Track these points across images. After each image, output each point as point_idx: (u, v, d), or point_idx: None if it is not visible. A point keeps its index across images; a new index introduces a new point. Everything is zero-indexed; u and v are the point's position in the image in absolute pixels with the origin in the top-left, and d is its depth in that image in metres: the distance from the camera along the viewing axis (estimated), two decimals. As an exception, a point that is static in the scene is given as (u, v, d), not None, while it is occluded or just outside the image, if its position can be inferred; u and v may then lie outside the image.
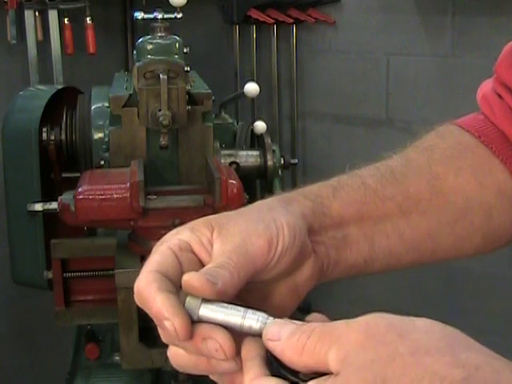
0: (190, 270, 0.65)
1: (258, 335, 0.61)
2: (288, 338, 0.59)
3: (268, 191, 1.89)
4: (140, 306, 0.65)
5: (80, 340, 1.95)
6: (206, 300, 0.63)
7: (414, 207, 0.84)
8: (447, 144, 0.92)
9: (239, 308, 0.63)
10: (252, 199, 1.90)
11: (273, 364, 0.59)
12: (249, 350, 0.61)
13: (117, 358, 1.74)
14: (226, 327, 0.62)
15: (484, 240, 0.90)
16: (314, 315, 0.65)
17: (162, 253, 0.66)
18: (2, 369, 2.86)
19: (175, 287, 0.64)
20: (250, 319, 0.62)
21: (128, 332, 1.45)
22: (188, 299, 0.63)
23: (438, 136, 0.94)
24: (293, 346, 0.58)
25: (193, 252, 0.67)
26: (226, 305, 0.63)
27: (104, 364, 1.83)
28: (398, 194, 0.84)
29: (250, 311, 0.62)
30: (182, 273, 0.65)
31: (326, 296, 2.99)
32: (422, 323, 0.57)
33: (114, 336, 1.82)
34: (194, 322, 0.62)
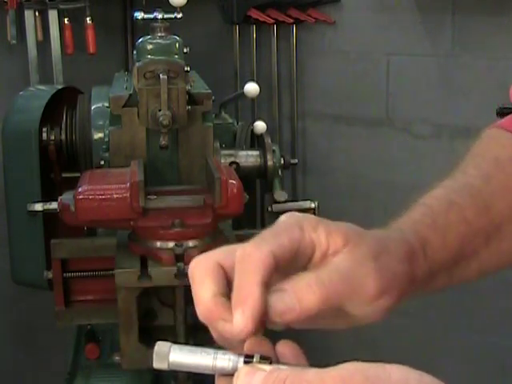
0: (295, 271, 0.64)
1: (231, 375, 0.61)
2: None
3: (268, 191, 1.89)
4: (238, 264, 0.62)
5: (80, 340, 1.95)
6: (174, 345, 0.62)
7: (497, 236, 0.85)
8: (510, 153, 0.91)
9: (208, 350, 0.62)
10: (252, 199, 1.90)
11: None
12: None
13: (117, 358, 1.74)
14: (198, 370, 0.62)
15: None
16: (283, 345, 0.63)
17: (290, 243, 0.63)
18: (2, 369, 2.86)
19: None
20: (222, 360, 0.61)
21: (128, 332, 1.45)
22: (156, 346, 0.63)
23: (496, 142, 0.94)
24: None
25: (310, 256, 0.65)
26: (194, 348, 0.63)
27: (104, 364, 1.83)
28: (488, 224, 0.84)
29: (220, 352, 0.62)
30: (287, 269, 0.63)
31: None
32: (398, 375, 0.55)
33: (114, 336, 1.82)
34: (164, 369, 0.62)
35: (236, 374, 0.60)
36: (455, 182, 0.88)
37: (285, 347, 0.63)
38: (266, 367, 0.59)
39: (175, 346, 0.63)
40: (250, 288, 0.61)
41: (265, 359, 0.60)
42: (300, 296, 0.62)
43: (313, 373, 0.57)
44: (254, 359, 0.60)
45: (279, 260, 0.62)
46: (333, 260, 0.65)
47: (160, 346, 0.63)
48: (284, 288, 0.62)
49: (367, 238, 0.69)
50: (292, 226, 0.65)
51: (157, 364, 0.63)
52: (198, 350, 0.62)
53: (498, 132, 0.95)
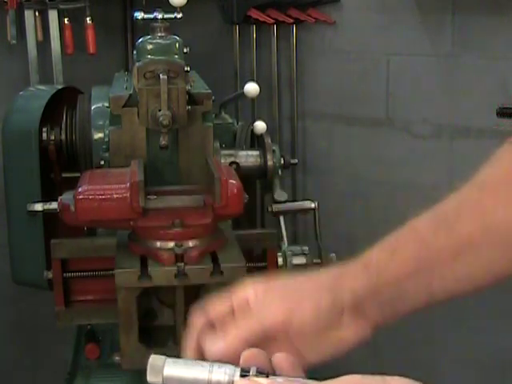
0: None
1: None
2: None
3: (268, 191, 1.89)
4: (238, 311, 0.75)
5: (80, 340, 1.94)
6: (169, 358, 0.62)
7: (467, 249, 0.86)
8: (497, 175, 0.92)
9: (203, 363, 0.62)
10: (252, 199, 1.90)
11: None
12: None
13: (117, 358, 1.74)
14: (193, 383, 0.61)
15: None
16: (279, 357, 0.63)
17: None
18: (2, 369, 2.86)
19: None
20: (217, 373, 0.61)
21: (128, 332, 1.45)
22: (151, 359, 0.62)
23: (494, 162, 0.94)
24: None
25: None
26: (189, 361, 0.62)
27: (104, 364, 1.83)
28: (452, 242, 0.85)
29: (215, 365, 0.61)
30: None
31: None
32: None
33: (114, 336, 1.82)
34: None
35: None
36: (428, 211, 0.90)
37: (281, 359, 0.63)
38: (263, 380, 0.59)
39: (170, 360, 0.62)
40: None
41: (261, 372, 0.60)
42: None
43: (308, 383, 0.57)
44: (251, 372, 0.60)
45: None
46: None
47: (154, 360, 0.62)
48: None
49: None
50: None
51: (151, 378, 0.62)
52: (194, 363, 0.62)
53: (504, 150, 0.94)
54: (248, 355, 0.62)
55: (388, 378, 0.55)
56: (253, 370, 0.60)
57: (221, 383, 0.61)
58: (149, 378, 0.62)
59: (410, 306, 0.84)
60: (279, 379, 0.59)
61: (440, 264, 0.85)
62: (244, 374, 0.60)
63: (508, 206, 0.87)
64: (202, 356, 0.72)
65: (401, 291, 0.82)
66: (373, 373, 0.58)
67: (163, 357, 0.62)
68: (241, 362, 0.62)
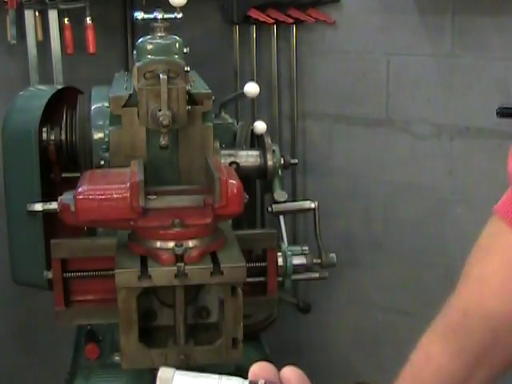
0: None
1: None
2: None
3: (268, 191, 1.89)
4: None
5: (80, 340, 1.95)
6: (178, 371, 0.62)
7: (483, 355, 0.90)
8: (494, 269, 0.94)
9: (213, 376, 0.62)
10: (252, 199, 1.90)
11: None
12: None
13: (117, 358, 1.74)
14: None
15: None
16: (288, 371, 0.63)
17: None
18: (2, 369, 2.86)
19: None
20: None
21: (128, 332, 1.45)
22: (160, 372, 0.63)
23: (486, 252, 0.96)
24: None
25: None
26: (198, 374, 0.62)
27: (104, 364, 1.83)
28: (467, 358, 0.89)
29: (224, 378, 0.62)
30: None
31: (325, 296, 2.99)
32: None
33: (114, 336, 1.82)
34: None
35: None
36: None
37: (290, 372, 0.63)
38: None
39: (178, 372, 0.63)
40: None
41: (269, 381, 0.60)
42: None
43: None
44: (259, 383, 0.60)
45: None
46: None
47: (163, 372, 0.63)
48: None
49: None
50: None
51: None
52: (202, 375, 0.62)
53: (496, 234, 0.96)
54: (257, 369, 0.62)
55: None
56: (261, 383, 0.60)
57: None
58: None
59: None
60: None
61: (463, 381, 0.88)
62: None
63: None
64: None
65: None
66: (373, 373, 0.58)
67: (172, 369, 0.63)
68: (250, 375, 0.62)
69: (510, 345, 0.91)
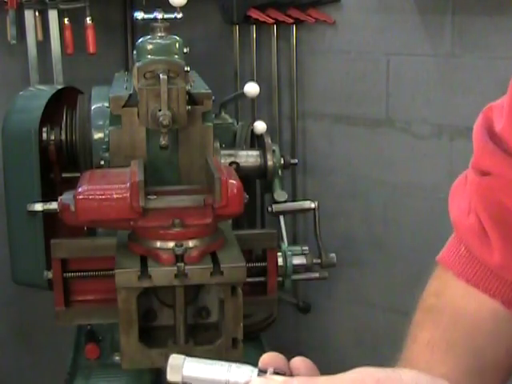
0: None
1: None
2: None
3: (268, 191, 1.89)
4: None
5: (80, 340, 1.95)
6: (188, 358, 0.63)
7: None
8: (441, 329, 0.92)
9: (223, 363, 0.62)
10: (252, 199, 1.90)
11: None
12: None
13: (117, 358, 1.74)
14: (212, 383, 0.62)
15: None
16: (297, 360, 0.63)
17: None
18: (2, 369, 2.86)
19: None
20: (236, 374, 0.62)
21: (128, 332, 1.45)
22: (170, 359, 0.63)
23: (434, 311, 0.94)
24: None
25: None
26: (208, 361, 0.63)
27: (104, 364, 1.83)
28: None
29: (234, 365, 0.62)
30: None
31: (325, 296, 2.99)
32: (408, 378, 0.56)
33: (114, 336, 1.82)
34: (177, 382, 0.62)
35: None
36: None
37: (299, 362, 0.63)
38: (278, 378, 0.60)
39: (189, 359, 0.63)
40: None
41: (278, 373, 0.61)
42: None
43: (324, 379, 0.57)
44: (268, 373, 0.61)
45: None
46: None
47: (174, 359, 0.63)
48: None
49: None
50: None
51: (171, 376, 0.63)
52: (212, 362, 0.63)
53: (444, 282, 0.94)
54: (266, 358, 0.63)
55: (398, 369, 0.55)
56: (270, 371, 0.61)
57: (239, 383, 0.61)
58: (168, 376, 0.63)
59: None
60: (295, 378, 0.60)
61: None
62: (262, 374, 0.61)
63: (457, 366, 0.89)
64: None
65: None
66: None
67: (183, 356, 0.63)
68: (259, 364, 0.62)
69: None
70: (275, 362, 0.62)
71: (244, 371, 0.62)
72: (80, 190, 1.45)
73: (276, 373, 0.61)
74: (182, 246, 1.43)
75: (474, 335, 0.90)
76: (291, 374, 0.62)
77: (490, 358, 0.89)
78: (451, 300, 0.93)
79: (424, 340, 0.92)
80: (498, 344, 0.89)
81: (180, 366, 0.63)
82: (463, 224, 0.92)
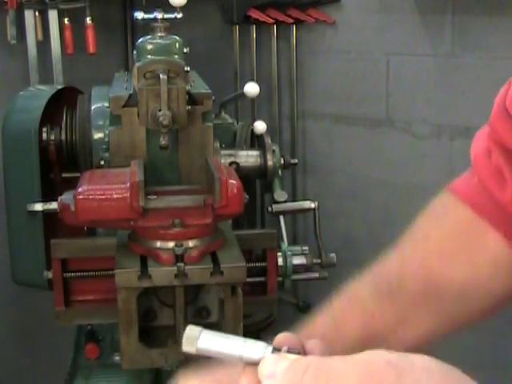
0: None
1: (257, 365, 0.61)
2: (283, 375, 0.58)
3: (268, 191, 1.89)
4: None
5: (80, 340, 1.94)
6: (205, 330, 0.63)
7: (411, 312, 0.87)
8: (443, 231, 0.93)
9: (238, 338, 0.63)
10: (252, 199, 1.90)
11: None
12: (248, 381, 0.62)
13: (117, 358, 1.74)
14: (225, 358, 0.62)
15: (483, 312, 0.95)
16: (312, 342, 0.64)
17: None
18: (2, 369, 2.86)
19: None
20: (250, 349, 0.62)
21: (128, 332, 1.45)
22: (187, 330, 0.63)
23: (436, 216, 0.95)
24: (288, 382, 0.58)
25: None
26: (224, 335, 0.63)
27: (104, 364, 1.83)
28: (396, 307, 0.87)
29: (249, 341, 0.63)
30: None
31: (325, 296, 2.99)
32: (420, 361, 0.55)
33: (114, 336, 1.82)
34: (191, 353, 0.63)
35: (262, 361, 0.61)
36: (367, 274, 0.91)
37: (314, 344, 0.64)
38: (292, 356, 0.60)
39: (205, 331, 0.63)
40: None
41: (292, 352, 0.61)
42: None
43: (336, 358, 0.57)
44: (282, 351, 0.61)
45: None
46: None
47: (190, 330, 0.63)
48: None
49: None
50: None
51: (185, 347, 0.63)
52: (228, 337, 0.63)
53: (444, 202, 0.95)
54: (281, 337, 0.63)
55: (410, 354, 0.56)
56: (284, 349, 0.61)
57: (252, 359, 0.62)
58: (183, 347, 0.63)
59: None
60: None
61: (386, 332, 0.86)
62: (275, 352, 0.62)
63: (454, 265, 0.89)
64: None
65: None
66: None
67: (199, 328, 0.63)
68: (274, 342, 0.63)
69: (437, 311, 0.89)
70: (290, 343, 0.63)
71: (258, 348, 0.62)
72: (80, 190, 1.45)
73: (290, 352, 0.61)
74: (182, 246, 1.43)
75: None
76: (305, 355, 0.62)
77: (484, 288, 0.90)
78: (456, 217, 0.93)
79: (422, 235, 0.93)
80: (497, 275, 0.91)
81: (196, 337, 0.63)
82: (481, 161, 0.94)
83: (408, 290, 0.87)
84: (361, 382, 0.54)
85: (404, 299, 0.87)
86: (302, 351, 0.62)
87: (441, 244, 0.91)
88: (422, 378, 0.54)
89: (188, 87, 1.68)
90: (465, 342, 2.75)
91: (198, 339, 0.63)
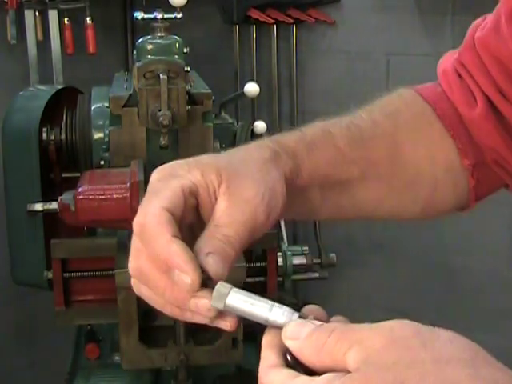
0: (189, 216, 0.68)
1: (281, 329, 0.62)
2: (307, 337, 0.59)
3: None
4: (139, 239, 0.69)
5: (80, 340, 1.94)
6: (235, 288, 0.64)
7: (373, 173, 0.88)
8: (411, 113, 0.94)
9: (267, 300, 0.63)
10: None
11: (290, 361, 0.60)
12: (270, 339, 0.62)
13: (117, 357, 1.74)
14: (251, 318, 0.63)
15: (423, 210, 0.94)
16: (338, 317, 0.64)
17: (174, 192, 0.67)
18: (2, 369, 2.86)
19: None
20: (276, 313, 0.63)
21: (128, 332, 1.45)
22: (218, 286, 0.64)
23: (403, 102, 0.96)
24: (311, 344, 0.58)
25: (196, 197, 0.69)
26: (253, 296, 0.64)
27: (104, 364, 1.83)
28: (363, 158, 0.87)
29: (276, 305, 0.63)
30: (183, 218, 0.68)
31: (325, 296, 2.99)
32: (446, 334, 0.56)
33: (114, 336, 1.82)
34: (219, 309, 0.64)
35: (286, 326, 0.61)
36: (340, 118, 0.90)
37: (340, 319, 0.64)
38: (317, 322, 0.61)
39: (235, 290, 0.64)
40: (171, 255, 0.66)
41: (318, 320, 0.61)
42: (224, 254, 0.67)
43: (362, 325, 0.58)
44: (308, 318, 0.62)
45: (174, 212, 0.67)
46: (219, 208, 0.68)
47: (221, 286, 0.64)
48: (208, 251, 0.67)
49: (238, 170, 0.71)
50: (167, 178, 0.70)
51: (214, 303, 0.64)
52: (256, 298, 0.64)
53: (411, 94, 0.96)
54: (307, 309, 0.64)
55: (438, 329, 0.56)
56: (310, 317, 0.62)
57: (278, 322, 0.62)
58: (212, 302, 0.64)
59: (303, 207, 0.84)
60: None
61: (346, 181, 0.86)
62: (301, 318, 0.62)
63: (416, 148, 0.90)
64: None
65: (306, 192, 0.82)
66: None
67: (230, 285, 0.64)
68: (300, 313, 0.64)
69: (391, 185, 0.90)
70: (316, 314, 0.63)
71: (285, 313, 0.62)
72: (80, 190, 1.45)
73: (316, 320, 0.61)
74: (181, 246, 1.43)
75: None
76: None
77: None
78: (419, 111, 0.94)
79: (393, 113, 0.93)
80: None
81: (225, 294, 0.64)
82: (450, 78, 0.95)
83: (376, 151, 0.88)
84: (385, 346, 0.55)
85: (371, 157, 0.87)
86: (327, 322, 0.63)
87: (410, 126, 0.92)
88: (446, 347, 0.54)
89: (188, 87, 1.68)
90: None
91: (227, 296, 0.64)
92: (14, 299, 2.74)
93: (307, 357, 0.58)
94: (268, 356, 0.61)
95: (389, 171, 0.89)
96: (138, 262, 0.73)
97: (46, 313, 1.86)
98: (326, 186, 0.84)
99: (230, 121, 1.96)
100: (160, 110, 1.57)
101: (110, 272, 1.46)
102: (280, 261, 1.72)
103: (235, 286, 0.64)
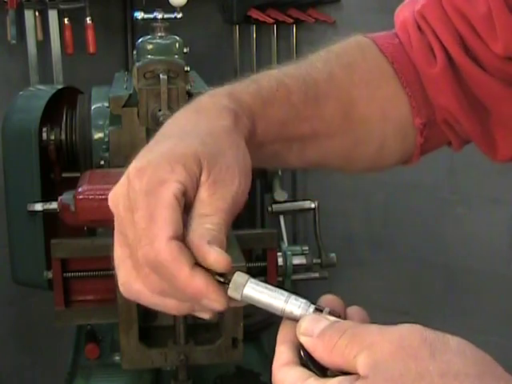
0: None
1: (297, 321, 0.62)
2: (319, 336, 0.59)
3: (268, 191, 1.89)
4: (160, 276, 0.66)
5: (80, 340, 1.95)
6: (252, 279, 0.65)
7: (325, 131, 0.88)
8: (368, 66, 0.93)
9: (283, 292, 0.64)
10: (252, 199, 1.90)
11: (304, 357, 0.60)
12: (285, 333, 0.63)
13: (117, 357, 1.74)
14: (267, 309, 0.64)
15: (369, 165, 0.96)
16: (354, 309, 0.65)
17: (171, 208, 0.66)
18: (2, 369, 2.86)
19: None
20: (292, 305, 0.63)
21: (128, 332, 1.45)
22: (235, 276, 0.65)
23: (360, 50, 0.95)
24: (324, 343, 0.59)
25: (185, 195, 0.68)
26: (270, 287, 0.64)
27: (104, 364, 1.83)
28: (316, 117, 0.87)
29: (293, 297, 0.63)
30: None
31: (326, 296, 2.99)
32: (455, 343, 0.56)
33: (113, 336, 1.82)
34: (236, 299, 0.65)
35: (302, 318, 0.61)
36: (296, 67, 0.91)
37: (355, 311, 0.65)
38: (332, 318, 0.61)
39: (252, 280, 0.65)
40: (196, 290, 0.65)
41: (333, 315, 0.62)
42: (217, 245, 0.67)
43: (374, 328, 0.58)
44: (324, 312, 0.62)
45: (178, 231, 0.66)
46: (202, 197, 0.68)
47: (239, 276, 0.65)
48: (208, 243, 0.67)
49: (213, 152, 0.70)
50: (156, 188, 0.68)
51: (231, 293, 0.65)
52: (273, 289, 0.64)
53: (368, 44, 0.96)
54: (324, 299, 0.64)
55: (448, 336, 0.56)
56: (326, 310, 0.62)
57: (293, 314, 0.63)
58: (229, 291, 0.65)
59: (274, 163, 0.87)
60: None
61: (298, 138, 0.86)
62: (317, 312, 0.62)
63: (370, 105, 0.90)
64: None
65: (259, 149, 0.82)
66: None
67: (247, 275, 0.65)
68: (317, 303, 0.64)
69: (344, 141, 0.91)
70: (333, 305, 0.64)
71: (301, 305, 0.63)
72: (80, 190, 1.45)
73: (331, 314, 0.62)
74: (181, 245, 1.43)
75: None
76: (345, 319, 0.63)
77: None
78: (374, 64, 0.94)
79: (349, 65, 0.94)
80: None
81: (242, 284, 0.64)
82: (410, 30, 0.94)
83: (330, 108, 0.87)
84: (394, 354, 0.55)
85: (324, 116, 0.87)
86: (343, 315, 0.63)
87: (365, 81, 0.91)
88: (454, 359, 0.54)
89: (188, 87, 1.68)
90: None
91: (244, 286, 0.64)
92: (14, 299, 2.74)
93: (319, 354, 0.59)
94: (282, 352, 0.61)
95: (340, 129, 0.89)
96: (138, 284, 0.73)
97: (45, 313, 1.86)
98: (277, 142, 0.85)
99: (230, 121, 1.95)
100: (160, 110, 1.57)
101: (110, 272, 1.45)
102: (280, 261, 1.72)
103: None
